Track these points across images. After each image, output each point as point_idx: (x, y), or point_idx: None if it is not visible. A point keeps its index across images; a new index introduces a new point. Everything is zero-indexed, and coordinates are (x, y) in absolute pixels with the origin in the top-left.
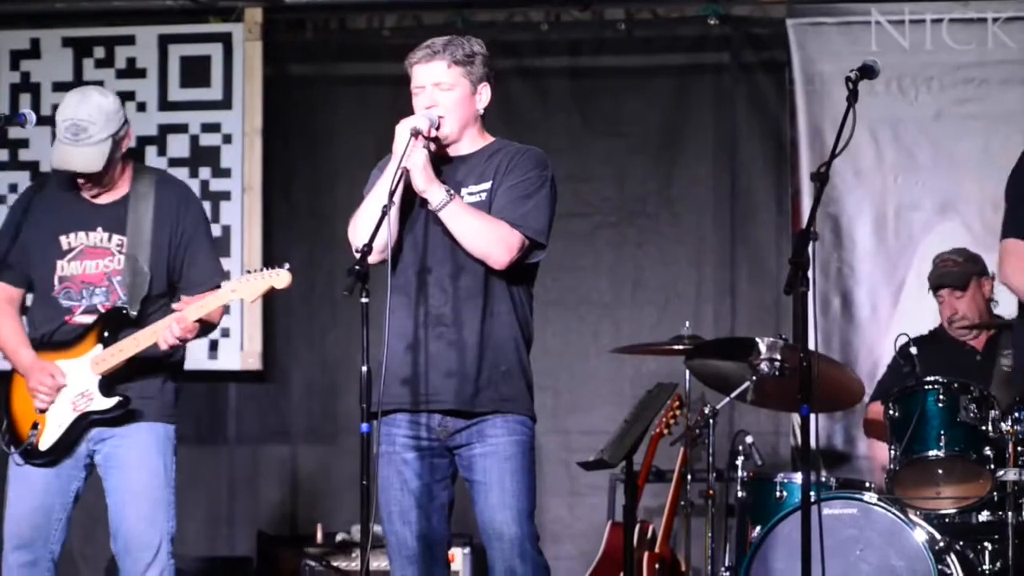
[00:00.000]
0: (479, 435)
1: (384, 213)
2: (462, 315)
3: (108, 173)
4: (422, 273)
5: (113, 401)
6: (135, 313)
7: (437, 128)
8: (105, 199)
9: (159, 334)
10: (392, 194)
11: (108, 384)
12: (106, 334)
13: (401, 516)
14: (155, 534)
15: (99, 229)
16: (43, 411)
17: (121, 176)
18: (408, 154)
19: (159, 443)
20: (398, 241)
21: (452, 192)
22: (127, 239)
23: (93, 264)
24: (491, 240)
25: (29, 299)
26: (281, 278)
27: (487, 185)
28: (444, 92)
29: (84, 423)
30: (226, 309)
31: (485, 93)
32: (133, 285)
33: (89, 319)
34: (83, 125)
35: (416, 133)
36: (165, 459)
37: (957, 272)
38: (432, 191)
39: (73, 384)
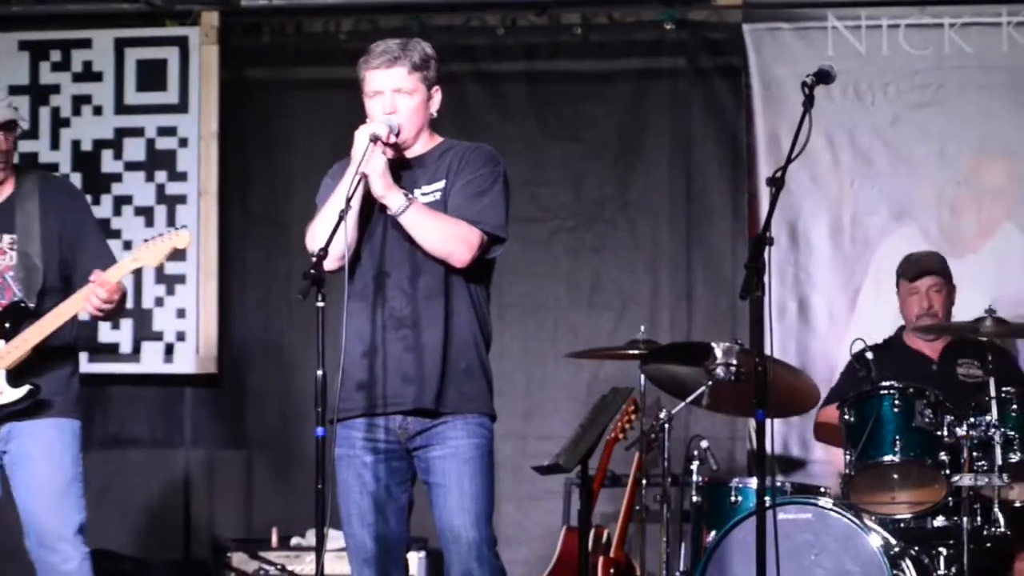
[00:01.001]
0: (439, 437)
1: (341, 218)
2: (424, 315)
3: (9, 149)
4: (380, 277)
5: (23, 391)
6: (33, 306)
7: (396, 134)
8: None
9: (79, 304)
10: (350, 199)
11: (15, 377)
12: (7, 326)
13: (360, 519)
14: (67, 526)
15: None
16: None
17: (8, 179)
18: (367, 160)
19: (65, 437)
20: (356, 248)
21: (411, 196)
22: (17, 236)
23: None
24: (452, 239)
25: None
26: (181, 238)
27: (440, 184)
28: (404, 97)
29: None
30: (181, 313)
31: (437, 97)
32: (28, 279)
33: None
34: None
35: (375, 139)
36: (72, 452)
37: (941, 260)
38: (391, 196)
39: None
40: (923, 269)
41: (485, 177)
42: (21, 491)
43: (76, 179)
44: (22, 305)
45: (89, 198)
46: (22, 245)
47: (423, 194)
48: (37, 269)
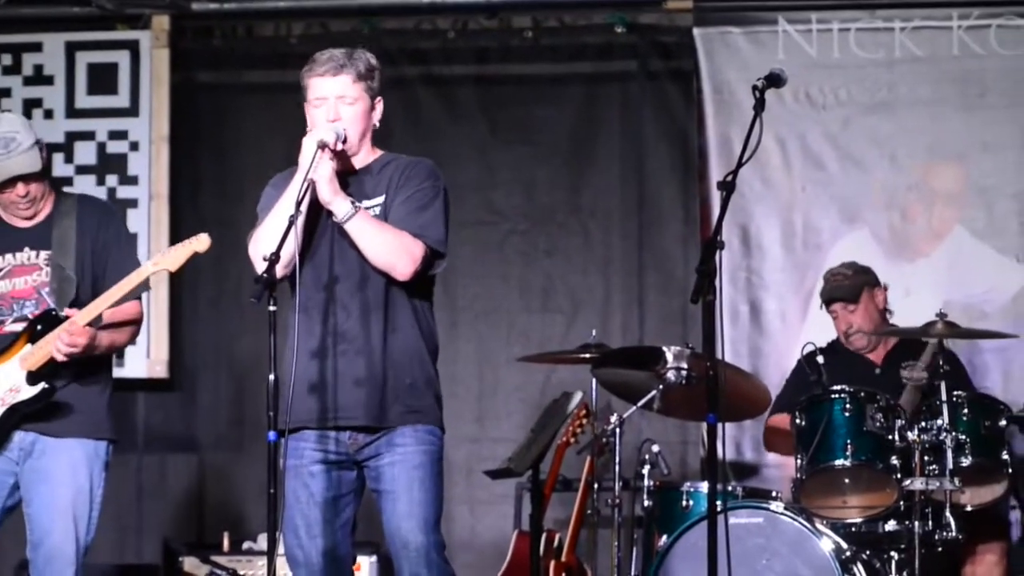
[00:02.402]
0: (388, 445)
1: (291, 223)
2: (365, 330)
3: (47, 177)
4: (326, 290)
5: (36, 390)
6: (64, 314)
7: (344, 142)
8: (29, 222)
9: (51, 344)
10: (299, 204)
11: (35, 377)
12: (38, 328)
13: (307, 531)
14: (75, 549)
15: (25, 249)
16: None
17: (46, 201)
18: (315, 167)
19: (87, 459)
20: (301, 258)
21: (357, 205)
22: (53, 251)
23: (22, 280)
24: (395, 251)
25: None
26: (201, 242)
27: (380, 199)
28: (347, 106)
29: (13, 417)
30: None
31: (380, 107)
32: (60, 291)
33: (20, 327)
34: (9, 137)
35: (323, 146)
36: (92, 475)
37: (848, 285)
38: (337, 203)
39: (2, 383)
40: (829, 296)
41: (426, 191)
42: (38, 508)
43: None
44: (54, 313)
45: None
46: (56, 259)
47: (366, 208)
48: (70, 280)
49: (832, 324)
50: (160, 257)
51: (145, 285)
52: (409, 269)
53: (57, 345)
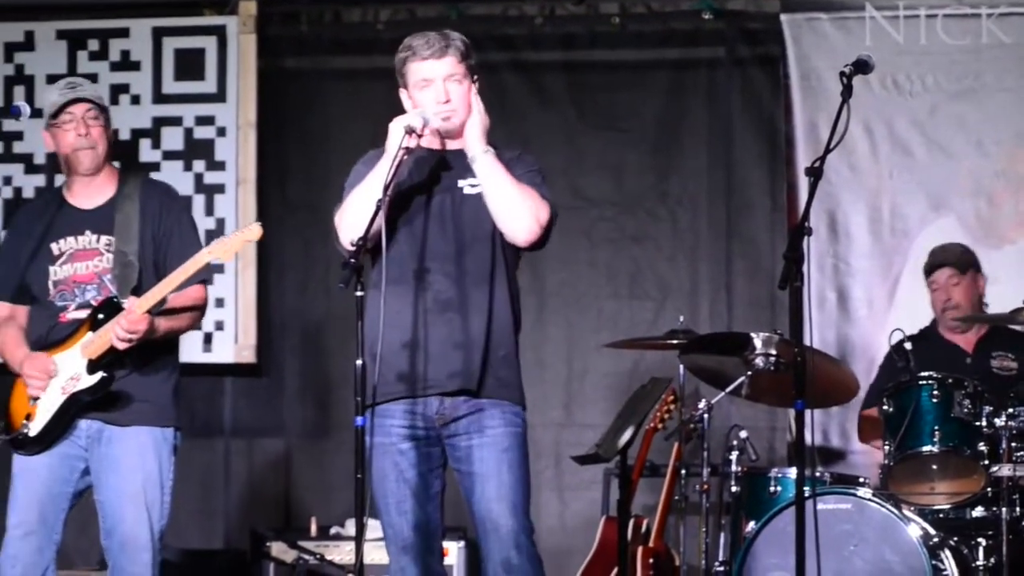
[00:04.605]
0: (476, 426)
1: (378, 207)
2: (469, 300)
3: (109, 126)
4: (421, 264)
5: (95, 379)
6: (126, 302)
7: (432, 126)
8: (91, 203)
9: (110, 332)
10: (387, 188)
11: (96, 365)
12: (100, 317)
13: (398, 507)
14: (150, 535)
15: (87, 232)
16: (36, 399)
17: (109, 179)
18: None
19: (155, 445)
20: (392, 234)
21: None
22: (115, 237)
23: (83, 265)
24: (528, 208)
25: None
26: (252, 231)
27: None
28: (456, 84)
29: (74, 406)
30: (219, 303)
31: (475, 87)
32: (123, 277)
33: (83, 314)
34: (79, 82)
35: (411, 130)
36: (160, 462)
37: (960, 255)
38: (485, 154)
39: (65, 371)
40: (937, 262)
41: (535, 175)
42: (109, 496)
43: None
44: (115, 301)
45: None
46: (119, 244)
47: (469, 186)
48: (133, 266)
49: (920, 308)
50: (215, 245)
51: (208, 269)
52: (535, 233)
53: (116, 332)
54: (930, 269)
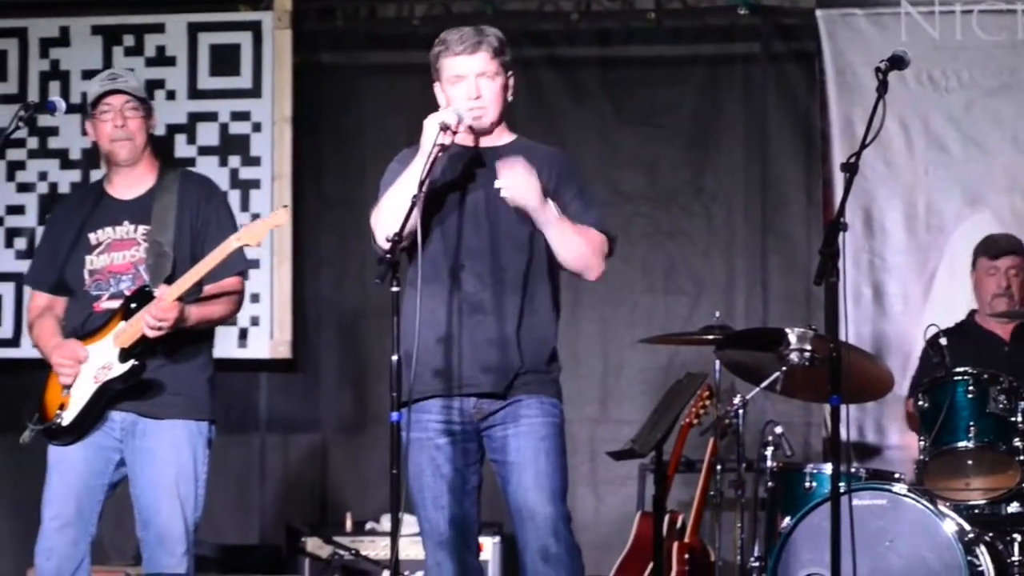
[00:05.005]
0: (512, 416)
1: (414, 203)
2: (501, 305)
3: (150, 118)
4: (455, 264)
5: (126, 367)
6: (157, 291)
7: (470, 122)
8: (130, 194)
9: (141, 320)
10: (422, 184)
11: (127, 354)
12: (132, 306)
13: (434, 502)
14: (184, 528)
15: (125, 223)
16: (68, 387)
17: (148, 171)
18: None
19: (189, 438)
20: (427, 232)
21: (560, 213)
22: (152, 226)
23: (120, 255)
24: (593, 253)
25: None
26: (279, 216)
27: None
28: (488, 81)
29: (106, 395)
30: (255, 298)
31: (512, 83)
32: (157, 266)
33: (116, 304)
34: (120, 74)
35: (445, 127)
36: (195, 455)
37: (1022, 246)
38: (547, 209)
39: (97, 360)
40: (1005, 248)
41: (583, 186)
42: (144, 488)
43: None
44: (148, 290)
45: None
46: (154, 234)
47: (506, 188)
48: (167, 256)
49: (956, 304)
50: (243, 232)
51: (244, 260)
52: (602, 268)
53: (146, 320)
54: (996, 254)
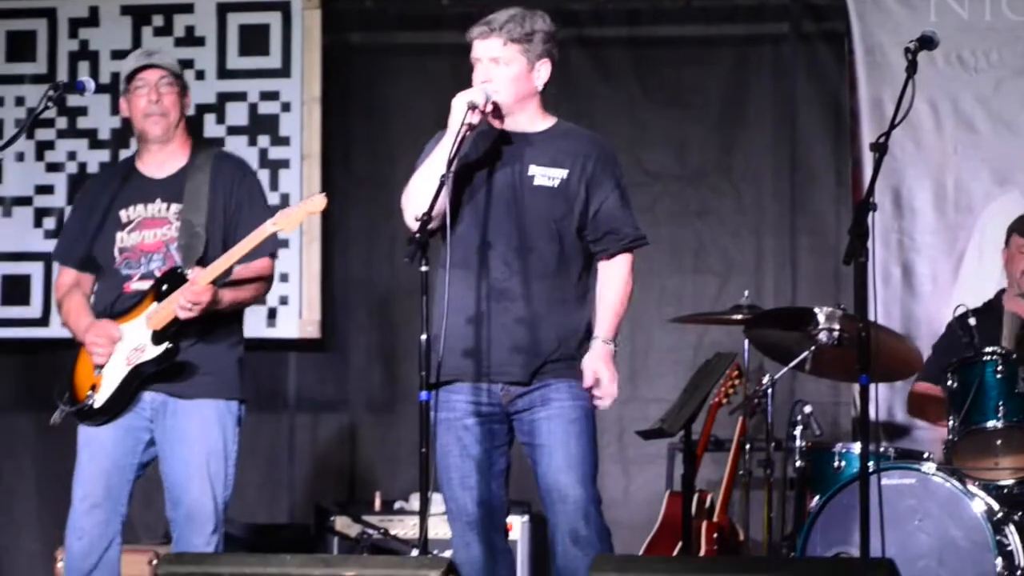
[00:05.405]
0: (542, 400)
1: (442, 183)
2: (529, 292)
3: (184, 95)
4: (483, 247)
5: (159, 349)
6: (190, 272)
7: (494, 103)
8: (162, 172)
9: (174, 302)
10: (451, 163)
11: (160, 336)
12: (164, 288)
13: (461, 482)
14: (214, 506)
15: (157, 200)
16: (100, 367)
17: (181, 149)
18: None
19: (219, 417)
20: (457, 212)
21: (611, 341)
22: (183, 206)
23: (151, 233)
24: (630, 286)
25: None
26: (316, 203)
27: (563, 173)
28: (499, 67)
29: (138, 377)
30: (284, 277)
31: (544, 70)
32: (188, 247)
33: (147, 284)
34: (156, 50)
35: (473, 106)
36: (225, 434)
37: None
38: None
39: (129, 341)
40: None
41: (619, 180)
42: (174, 467)
43: None
44: (179, 272)
45: None
46: (187, 214)
47: (542, 176)
48: (200, 237)
49: (984, 284)
50: (279, 216)
51: (275, 242)
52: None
53: (180, 302)
54: None
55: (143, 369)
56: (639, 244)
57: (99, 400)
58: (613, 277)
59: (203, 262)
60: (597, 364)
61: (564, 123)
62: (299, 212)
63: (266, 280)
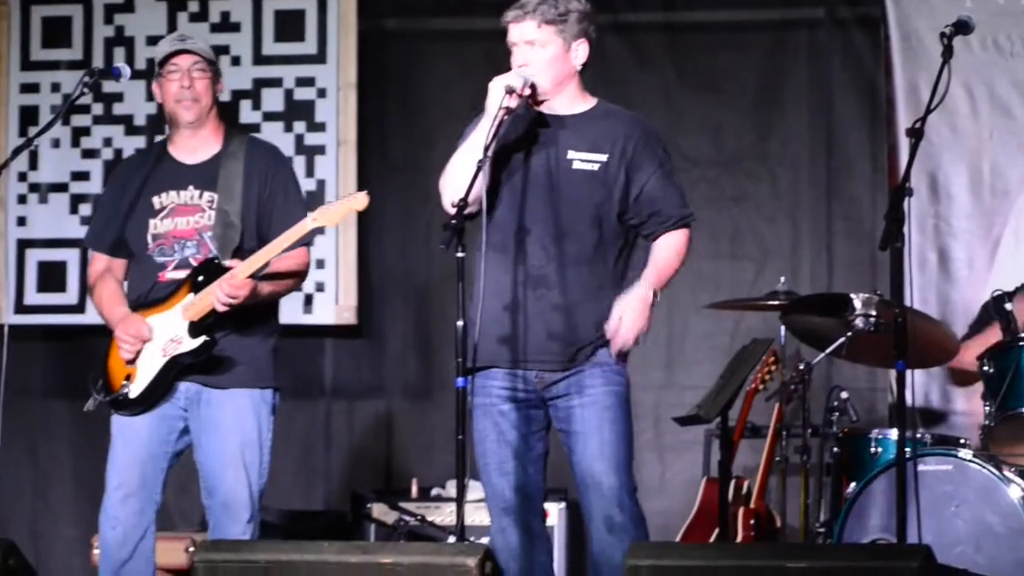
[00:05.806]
0: (577, 386)
1: (479, 168)
2: (565, 279)
3: (217, 80)
4: (520, 231)
5: (197, 342)
6: (228, 263)
7: (531, 87)
8: (195, 159)
9: (212, 294)
10: (487, 148)
11: (197, 328)
12: (200, 279)
13: (499, 468)
14: (249, 495)
15: (190, 187)
16: (130, 361)
17: (214, 135)
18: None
19: (253, 406)
20: (495, 194)
21: (647, 283)
22: (218, 195)
23: (184, 220)
24: (680, 262)
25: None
26: (359, 200)
27: (602, 157)
28: (534, 50)
29: (174, 368)
30: (320, 264)
31: (582, 50)
32: (224, 237)
33: (182, 274)
34: (189, 35)
35: (510, 90)
36: (259, 423)
37: None
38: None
39: (165, 332)
40: None
41: (664, 159)
42: (208, 456)
43: None
44: (216, 262)
45: None
46: (222, 203)
47: (581, 159)
48: (235, 227)
49: (1021, 270)
50: (320, 213)
51: (312, 234)
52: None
53: (218, 295)
54: None
55: (180, 360)
56: (684, 223)
57: (135, 390)
58: (666, 246)
59: (239, 252)
60: (626, 305)
61: (605, 103)
62: (340, 209)
63: (303, 271)
